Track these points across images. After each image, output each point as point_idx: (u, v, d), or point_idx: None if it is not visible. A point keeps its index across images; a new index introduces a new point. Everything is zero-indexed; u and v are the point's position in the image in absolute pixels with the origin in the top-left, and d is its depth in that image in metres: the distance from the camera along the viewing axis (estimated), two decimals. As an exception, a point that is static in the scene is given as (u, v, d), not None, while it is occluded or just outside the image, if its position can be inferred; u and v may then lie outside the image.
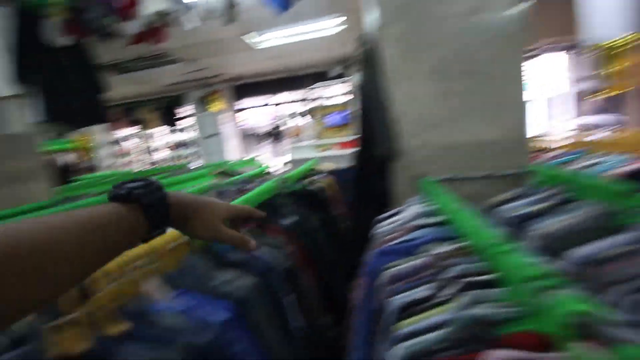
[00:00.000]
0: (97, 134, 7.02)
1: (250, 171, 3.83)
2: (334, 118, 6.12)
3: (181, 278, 0.81)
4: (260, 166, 4.82)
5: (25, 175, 2.67)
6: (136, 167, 7.11)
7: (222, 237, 0.50)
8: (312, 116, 6.38)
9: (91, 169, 6.73)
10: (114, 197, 0.41)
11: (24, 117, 2.10)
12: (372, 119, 1.54)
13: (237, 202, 1.28)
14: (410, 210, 1.26)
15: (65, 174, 5.90)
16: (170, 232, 0.92)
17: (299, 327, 1.03)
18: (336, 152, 5.20)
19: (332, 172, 3.10)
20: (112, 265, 0.69)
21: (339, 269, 1.60)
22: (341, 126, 6.11)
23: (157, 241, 0.82)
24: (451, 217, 0.99)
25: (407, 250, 0.92)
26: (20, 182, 2.62)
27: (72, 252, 0.31)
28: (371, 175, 1.59)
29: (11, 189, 2.53)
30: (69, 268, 0.31)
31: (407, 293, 0.77)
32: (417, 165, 1.52)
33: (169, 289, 0.77)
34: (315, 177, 2.76)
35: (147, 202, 0.41)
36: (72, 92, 2.25)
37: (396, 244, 0.98)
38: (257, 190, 1.51)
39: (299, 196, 1.85)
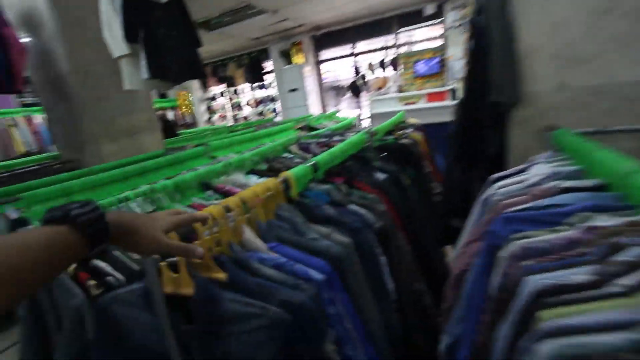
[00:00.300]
0: (193, 92, 7.71)
1: (332, 125, 3.75)
2: (424, 66, 5.49)
3: (275, 230, 0.76)
4: (342, 120, 4.69)
5: (143, 128, 3.06)
6: (227, 122, 7.69)
7: (164, 249, 0.50)
8: (399, 65, 5.83)
9: (191, 124, 7.52)
10: (49, 220, 0.41)
11: (136, 75, 2.30)
12: (488, 57, 1.23)
13: (324, 155, 1.19)
14: (539, 170, 1.00)
15: (172, 128, 6.73)
16: (265, 181, 0.88)
17: (392, 290, 0.94)
18: (423, 105, 4.72)
19: (419, 129, 2.80)
20: (213, 211, 0.67)
21: (431, 231, 1.44)
22: (431, 75, 5.46)
23: (250, 191, 0.78)
24: (614, 181, 0.73)
25: (546, 219, 0.71)
26: (139, 134, 3.02)
27: (4, 275, 0.33)
28: (480, 129, 1.32)
29: (132, 140, 2.94)
30: (7, 288, 0.33)
31: (551, 275, 0.59)
32: (548, 114, 1.20)
33: (264, 240, 0.73)
34: (405, 131, 2.52)
35: (82, 221, 0.41)
36: (172, 48, 2.37)
37: (528, 209, 0.77)
38: (345, 143, 1.39)
39: (389, 150, 1.69)
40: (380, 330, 0.79)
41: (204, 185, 1.33)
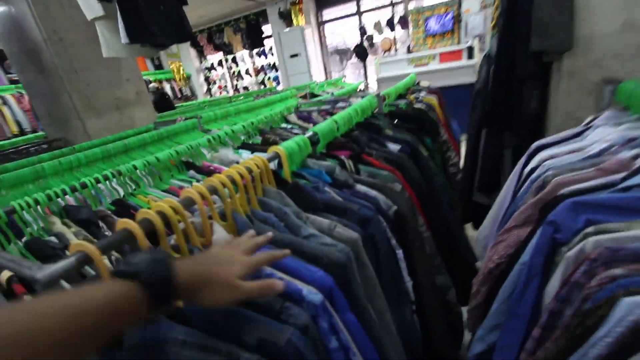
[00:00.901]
0: (190, 61, 7.33)
1: (338, 90, 3.46)
2: (436, 23, 5.02)
3: (258, 226, 0.57)
4: (348, 86, 4.39)
5: (131, 101, 2.83)
6: (227, 93, 7.36)
7: (240, 298, 0.42)
8: (408, 23, 5.36)
9: (189, 97, 7.23)
10: (116, 273, 0.37)
11: (115, 40, 2.05)
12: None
13: (325, 124, 0.97)
14: (601, 134, 0.77)
15: (168, 101, 6.46)
16: (246, 160, 0.67)
17: (411, 290, 0.76)
18: (436, 67, 4.34)
19: (433, 92, 2.52)
20: (164, 207, 0.48)
21: (452, 210, 1.24)
22: (444, 33, 5.01)
23: (224, 174, 0.58)
24: None
25: (635, 204, 0.50)
26: (127, 108, 2.80)
27: (58, 340, 0.29)
28: (516, 85, 1.07)
29: (120, 114, 2.73)
30: (55, 356, 0.29)
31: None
32: (607, 63, 0.94)
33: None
34: (418, 94, 2.25)
35: (152, 282, 0.36)
36: (152, 6, 2.08)
37: (600, 189, 0.56)
38: (351, 109, 1.16)
39: (402, 116, 1.45)
40: (396, 348, 0.61)
41: (186, 164, 1.13)
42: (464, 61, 4.11)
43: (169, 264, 0.38)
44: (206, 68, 7.59)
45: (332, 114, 1.85)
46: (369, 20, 5.86)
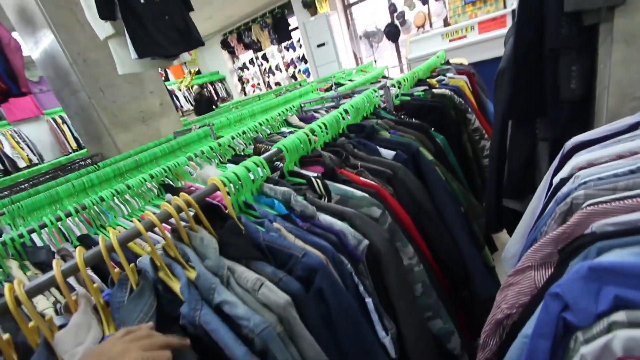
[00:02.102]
0: (222, 64, 7.50)
1: (359, 79, 3.24)
2: (473, -12, 4.45)
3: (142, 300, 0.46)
4: (377, 70, 4.11)
5: (156, 112, 2.92)
6: (259, 91, 7.42)
7: None
8: (441, -7, 4.84)
9: (224, 98, 7.43)
10: None
11: (127, 56, 2.08)
12: None
13: (295, 137, 0.83)
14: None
15: (209, 103, 6.71)
16: (163, 203, 0.56)
17: (392, 337, 0.60)
18: (473, 39, 3.85)
19: (462, 72, 2.19)
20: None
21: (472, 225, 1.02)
22: (484, -2, 4.43)
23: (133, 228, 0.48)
24: None
25: None
26: (152, 119, 2.89)
27: None
28: (550, 60, 0.81)
29: (146, 126, 2.82)
30: None
31: None
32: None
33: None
34: (442, 77, 1.97)
35: None
36: (157, 18, 2.07)
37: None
38: (338, 111, 1.00)
39: (415, 109, 1.24)
40: None
41: (166, 186, 1.07)
42: (509, 27, 3.58)
43: None
44: (239, 68, 7.71)
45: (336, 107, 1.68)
46: (399, -4, 5.41)
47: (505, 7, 4.30)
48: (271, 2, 6.12)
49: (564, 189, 0.57)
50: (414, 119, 1.42)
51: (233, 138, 1.28)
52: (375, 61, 5.74)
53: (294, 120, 1.54)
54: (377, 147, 0.89)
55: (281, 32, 6.34)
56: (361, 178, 0.76)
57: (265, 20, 6.37)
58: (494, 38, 3.56)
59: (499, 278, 1.05)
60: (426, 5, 5.17)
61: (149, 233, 0.52)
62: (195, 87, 7.19)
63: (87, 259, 0.45)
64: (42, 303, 0.60)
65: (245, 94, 7.89)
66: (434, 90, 1.63)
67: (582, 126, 0.90)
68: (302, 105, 1.61)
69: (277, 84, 7.32)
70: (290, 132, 1.44)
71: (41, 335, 0.42)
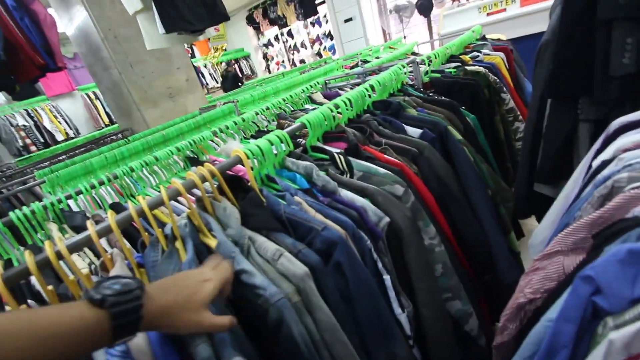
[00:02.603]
0: (247, 40, 7.45)
1: (387, 56, 3.12)
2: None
3: (166, 265, 0.48)
4: (406, 47, 3.94)
5: (182, 89, 2.97)
6: (284, 68, 7.34)
7: (203, 329, 0.42)
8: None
9: (249, 76, 7.42)
10: (86, 298, 0.37)
11: (155, 31, 2.10)
12: None
13: (319, 112, 0.81)
14: None
15: (235, 80, 6.75)
16: (188, 173, 0.58)
17: (408, 315, 0.60)
18: (515, 12, 3.56)
19: (499, 48, 2.05)
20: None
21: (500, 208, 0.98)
22: (527, -33, 4.06)
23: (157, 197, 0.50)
24: None
25: None
26: (179, 95, 2.94)
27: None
28: (600, 29, 0.74)
29: (173, 102, 2.88)
30: None
31: None
32: None
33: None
34: (477, 54, 1.85)
35: (117, 312, 0.36)
36: (182, -9, 2.06)
37: None
38: (364, 86, 0.97)
39: (446, 86, 1.19)
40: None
41: (191, 160, 1.09)
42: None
43: (138, 296, 0.38)
44: (264, 45, 7.63)
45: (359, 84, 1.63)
46: (433, -34, 5.07)
47: (551, -24, 3.94)
48: (297, -25, 5.92)
49: (605, 172, 0.52)
50: (443, 97, 1.36)
51: (257, 114, 1.28)
52: (404, 37, 5.49)
53: (318, 97, 1.51)
54: (403, 125, 0.86)
55: (307, 7, 6.17)
56: (385, 155, 0.74)
57: (291, -6, 6.20)
58: (538, 11, 3.28)
59: (523, 265, 1.02)
60: (462, -24, 4.82)
61: (175, 203, 0.54)
62: (222, 63, 7.22)
63: (119, 221, 0.47)
64: (79, 263, 0.64)
65: (269, 72, 7.84)
66: (466, 67, 1.54)
67: (631, 106, 0.82)
68: (327, 82, 1.58)
69: (302, 61, 7.21)
70: (314, 109, 1.42)
71: (83, 287, 0.45)
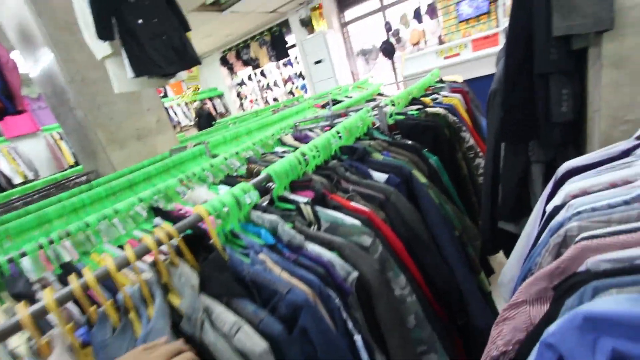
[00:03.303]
0: (220, 80, 7.60)
1: (356, 96, 3.27)
2: (468, 6, 4.57)
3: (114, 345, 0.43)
4: (373, 87, 4.15)
5: (152, 130, 2.92)
6: (257, 106, 7.48)
7: None
8: (437, 11, 4.95)
9: (222, 114, 7.48)
10: None
11: (123, 75, 2.10)
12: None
13: (288, 158, 0.82)
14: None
15: (208, 119, 6.76)
16: (157, 228, 0.54)
17: None
18: (468, 56, 3.92)
19: (456, 90, 2.21)
20: None
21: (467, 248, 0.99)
22: (479, 17, 4.54)
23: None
24: None
25: None
26: (149, 137, 2.89)
27: None
28: (540, 82, 0.82)
29: (142, 144, 2.82)
30: None
31: None
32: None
33: None
34: (436, 96, 1.98)
35: None
36: (154, 38, 2.10)
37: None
38: (331, 133, 0.99)
39: (409, 129, 1.24)
40: None
41: (155, 209, 1.05)
42: (500, 46, 3.64)
43: None
44: (237, 84, 7.80)
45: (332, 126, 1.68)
46: (394, 15, 5.54)
47: (497, 25, 4.40)
48: (269, 21, 6.25)
49: (558, 218, 0.55)
50: (408, 139, 1.42)
51: (226, 159, 1.27)
52: (371, 77, 5.82)
53: (288, 139, 1.53)
54: (369, 170, 0.88)
55: (279, 49, 6.46)
56: (352, 203, 0.74)
57: (264, 38, 6.49)
58: (487, 56, 3.62)
59: (495, 304, 1.02)
60: (421, 24, 5.28)
61: (126, 271, 0.50)
62: (196, 102, 7.26)
63: (59, 299, 0.43)
64: (15, 340, 0.57)
65: (243, 109, 7.96)
66: (427, 109, 1.64)
67: (574, 148, 0.89)
68: (297, 124, 1.61)
69: (275, 99, 7.40)
70: (284, 152, 1.43)
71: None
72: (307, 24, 5.77)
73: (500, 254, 1.35)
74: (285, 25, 6.24)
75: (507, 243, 1.15)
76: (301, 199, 0.73)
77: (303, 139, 1.54)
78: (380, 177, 0.87)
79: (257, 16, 5.76)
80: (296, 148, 1.50)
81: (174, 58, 2.22)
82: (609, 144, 0.71)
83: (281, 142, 1.55)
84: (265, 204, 0.72)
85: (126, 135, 2.72)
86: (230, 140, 2.33)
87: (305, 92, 6.72)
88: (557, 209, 0.57)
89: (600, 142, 0.78)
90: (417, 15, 5.25)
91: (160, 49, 2.13)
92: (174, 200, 1.10)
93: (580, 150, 0.91)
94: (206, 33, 6.07)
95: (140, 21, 2.06)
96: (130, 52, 2.00)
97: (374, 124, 1.43)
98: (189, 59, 2.33)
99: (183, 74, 2.50)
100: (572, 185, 0.58)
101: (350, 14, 5.88)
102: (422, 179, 0.90)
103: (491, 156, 1.03)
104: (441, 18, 4.84)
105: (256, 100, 7.74)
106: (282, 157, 1.39)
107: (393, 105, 1.49)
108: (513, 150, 0.91)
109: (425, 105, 1.75)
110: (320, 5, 5.58)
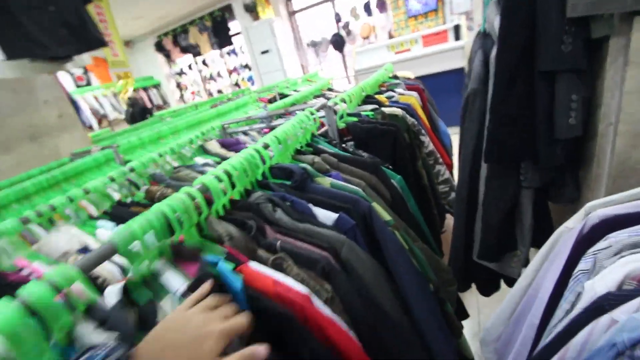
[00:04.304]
0: (156, 68, 6.80)
1: (304, 90, 2.97)
2: (417, 2, 4.49)
3: None
4: (322, 81, 3.89)
5: (52, 127, 2.34)
6: (200, 98, 6.84)
7: None
8: (387, 6, 4.83)
9: (160, 106, 6.71)
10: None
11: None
12: None
13: (213, 175, 0.50)
14: None
15: (142, 112, 5.98)
16: None
17: None
18: (419, 52, 3.82)
19: (412, 87, 2.02)
20: None
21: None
22: (427, 13, 4.49)
23: None
24: None
25: None
26: (47, 136, 2.31)
27: None
28: (541, 83, 0.59)
29: (37, 145, 2.24)
30: None
31: None
32: None
33: None
34: (392, 93, 1.77)
35: None
36: (37, 12, 1.59)
37: None
38: (254, 148, 0.68)
39: (365, 134, 0.98)
40: None
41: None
42: (450, 43, 3.60)
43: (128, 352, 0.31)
44: (176, 73, 7.05)
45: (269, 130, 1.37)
46: (343, 7, 5.32)
47: (445, 22, 4.39)
48: (210, 4, 5.65)
49: (629, 326, 0.32)
50: (362, 147, 1.17)
51: (112, 179, 0.90)
52: (321, 70, 5.57)
53: (213, 146, 1.19)
54: (311, 207, 0.59)
55: (222, 36, 5.90)
56: (277, 277, 0.45)
57: (204, 23, 5.87)
58: (438, 52, 3.54)
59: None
60: (371, 17, 5.13)
61: None
62: (130, 92, 6.39)
63: None
64: None
65: (184, 102, 7.24)
66: (384, 110, 1.40)
67: (570, 170, 0.70)
68: (225, 126, 1.27)
69: (220, 91, 6.82)
70: (206, 165, 1.09)
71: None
72: (251, 9, 5.30)
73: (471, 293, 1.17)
74: (227, 10, 5.69)
75: (481, 276, 0.96)
76: (177, 284, 0.42)
77: (232, 145, 1.21)
78: (326, 216, 0.59)
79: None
80: (223, 158, 1.17)
81: (67, 36, 1.72)
82: (625, 168, 0.51)
83: (204, 150, 1.20)
84: (115, 301, 0.39)
85: (13, 135, 2.13)
86: (148, 142, 1.90)
87: (252, 84, 6.27)
88: (613, 299, 0.35)
89: (614, 166, 0.58)
90: (367, 9, 5.09)
91: (44, 23, 1.62)
92: (18, 252, 0.72)
93: (578, 173, 0.71)
94: (136, 14, 5.31)
95: (12, -15, 1.54)
96: (1, 27, 1.49)
97: (322, 124, 1.15)
98: (92, 40, 1.85)
99: (86, 59, 2.00)
100: (635, 263, 0.35)
101: (298, 3, 5.54)
102: (385, 215, 0.64)
103: (467, 177, 0.80)
104: (391, 12, 4.72)
105: (198, 91, 7.07)
106: (201, 172, 1.05)
107: (344, 103, 1.23)
108: (501, 172, 0.69)
109: (381, 105, 1.52)
110: (266, -10, 5.16)
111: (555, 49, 0.53)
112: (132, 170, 0.94)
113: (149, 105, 6.65)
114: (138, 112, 5.96)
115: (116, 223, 0.80)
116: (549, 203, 0.76)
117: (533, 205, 0.72)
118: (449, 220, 1.80)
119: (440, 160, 1.58)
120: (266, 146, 0.70)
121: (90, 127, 5.62)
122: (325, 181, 0.67)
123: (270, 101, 3.32)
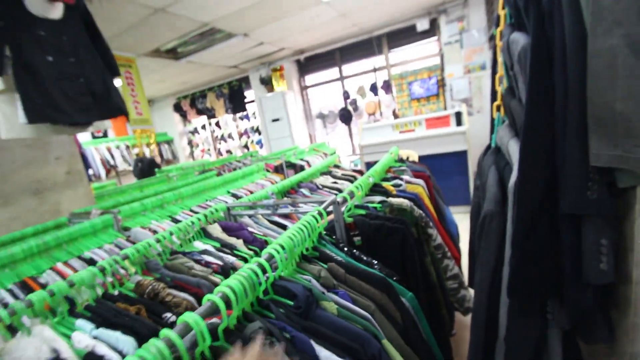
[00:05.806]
0: (172, 125, 7.14)
1: (319, 162, 3.03)
2: (420, 87, 4.86)
3: None
4: (330, 152, 4.00)
5: (56, 183, 2.34)
6: (209, 157, 7.04)
7: None
8: (392, 87, 5.21)
9: (169, 161, 6.88)
10: None
11: (14, 117, 1.62)
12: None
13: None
14: None
15: (150, 166, 6.09)
16: None
17: None
18: (423, 133, 4.00)
19: (418, 174, 2.06)
20: None
21: None
22: (429, 97, 4.83)
23: None
24: None
25: None
26: (50, 191, 2.30)
27: None
28: (564, 226, 0.57)
29: (38, 200, 2.21)
30: None
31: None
32: None
33: None
34: (399, 182, 1.77)
35: None
36: (64, 79, 1.69)
37: None
38: (252, 267, 0.64)
39: (374, 231, 0.94)
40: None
41: None
42: (452, 128, 3.78)
43: None
44: (190, 131, 7.37)
45: (282, 227, 1.33)
46: (352, 85, 5.75)
47: (445, 107, 4.68)
48: (229, 75, 6.14)
49: None
50: (369, 244, 1.13)
51: (103, 270, 0.84)
52: (327, 141, 5.80)
53: (215, 230, 1.15)
54: (314, 344, 0.53)
55: (237, 103, 6.29)
56: None
57: (222, 90, 6.31)
58: (441, 135, 3.70)
59: None
60: (377, 96, 5.51)
61: None
62: (152, 146, 6.59)
63: None
64: None
65: (193, 158, 7.43)
66: (391, 200, 1.39)
67: (600, 311, 0.64)
68: (229, 208, 1.24)
69: (229, 151, 7.04)
70: (204, 252, 1.03)
71: None
72: (267, 82, 5.73)
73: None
74: (245, 80, 6.17)
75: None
76: None
77: (236, 230, 1.16)
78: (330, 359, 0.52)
79: (216, 69, 5.62)
80: (223, 244, 1.12)
81: (90, 104, 1.81)
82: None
83: (204, 233, 1.15)
84: None
85: (17, 188, 2.12)
86: (151, 208, 1.87)
87: (261, 147, 6.49)
88: None
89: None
90: (373, 89, 5.49)
91: (71, 93, 1.72)
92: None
93: (610, 314, 0.65)
94: (159, 79, 5.74)
95: (50, 58, 1.67)
96: (25, 92, 1.57)
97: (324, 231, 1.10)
98: (113, 107, 1.93)
99: (107, 123, 2.07)
100: None
101: (310, 79, 6.01)
102: (395, 356, 0.56)
103: (485, 299, 0.74)
104: (395, 94, 5.08)
105: (208, 150, 7.30)
106: (198, 260, 0.99)
107: (352, 196, 1.21)
108: (524, 310, 0.63)
109: (388, 194, 1.51)
110: (282, 67, 5.64)
111: (580, 194, 0.52)
112: (125, 257, 0.88)
113: (159, 159, 6.82)
114: (147, 166, 6.08)
115: (96, 325, 0.72)
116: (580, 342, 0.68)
117: (563, 345, 0.64)
118: (458, 316, 1.67)
119: (449, 254, 1.52)
120: (270, 258, 0.66)
121: (98, 177, 5.68)
122: (332, 307, 0.61)
123: (277, 168, 3.39)
